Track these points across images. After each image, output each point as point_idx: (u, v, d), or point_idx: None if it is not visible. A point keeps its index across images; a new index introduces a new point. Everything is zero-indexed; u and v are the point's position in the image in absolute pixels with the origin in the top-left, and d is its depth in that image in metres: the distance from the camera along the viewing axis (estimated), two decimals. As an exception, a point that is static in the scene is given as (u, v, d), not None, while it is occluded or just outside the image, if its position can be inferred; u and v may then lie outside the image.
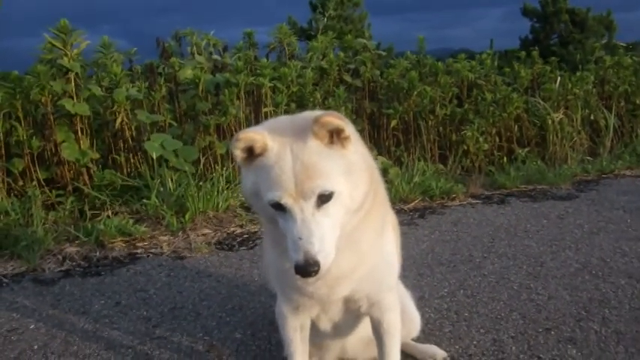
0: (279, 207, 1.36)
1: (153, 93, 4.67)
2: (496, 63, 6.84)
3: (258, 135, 1.37)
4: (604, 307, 2.57)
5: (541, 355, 2.19)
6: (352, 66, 5.78)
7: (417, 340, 2.23)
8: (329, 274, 1.48)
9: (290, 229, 1.35)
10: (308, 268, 1.31)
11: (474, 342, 2.31)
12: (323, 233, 1.34)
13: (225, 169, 4.40)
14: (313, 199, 1.34)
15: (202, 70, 4.99)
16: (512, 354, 2.20)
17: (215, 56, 5.61)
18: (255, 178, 1.40)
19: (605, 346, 2.23)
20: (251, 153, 1.39)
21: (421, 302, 2.61)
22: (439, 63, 5.89)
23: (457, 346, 2.28)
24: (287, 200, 1.33)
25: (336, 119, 1.37)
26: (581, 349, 2.22)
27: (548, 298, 2.69)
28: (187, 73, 4.95)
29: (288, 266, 1.50)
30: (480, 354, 2.21)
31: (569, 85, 6.21)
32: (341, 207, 1.38)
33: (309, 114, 1.49)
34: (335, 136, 1.38)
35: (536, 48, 7.42)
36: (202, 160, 4.55)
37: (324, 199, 1.35)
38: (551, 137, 5.85)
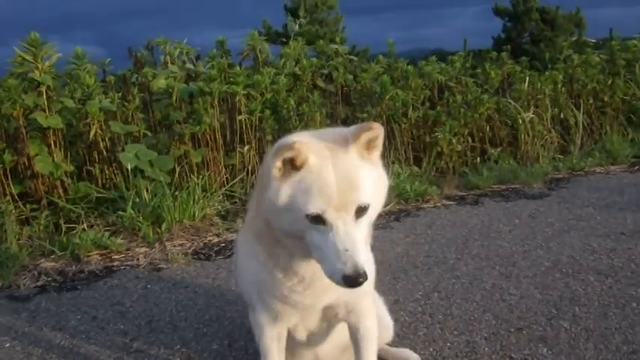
0: (318, 220, 1.37)
1: (126, 103, 4.65)
2: (469, 63, 6.92)
3: (303, 147, 1.37)
4: (574, 305, 2.65)
5: (513, 355, 2.25)
6: (325, 71, 5.82)
7: (392, 344, 2.27)
8: (319, 283, 1.53)
9: (331, 241, 1.36)
10: (358, 278, 1.33)
11: (448, 344, 2.36)
12: (362, 244, 1.38)
13: (200, 177, 4.40)
14: (353, 212, 1.37)
15: (176, 79, 4.98)
16: (484, 354, 2.26)
17: (188, 65, 5.59)
18: (292, 191, 1.38)
19: (574, 344, 2.30)
20: (290, 166, 1.39)
21: (396, 306, 2.66)
22: (410, 67, 5.94)
23: (431, 349, 2.33)
24: (330, 213, 1.35)
25: (379, 127, 1.41)
26: (551, 347, 2.28)
27: (520, 298, 2.76)
28: (161, 82, 4.93)
29: (266, 275, 1.58)
30: (453, 356, 2.27)
31: (539, 85, 6.33)
32: (368, 219, 1.44)
33: (338, 129, 1.52)
34: (368, 145, 1.42)
35: (508, 47, 7.52)
36: (177, 170, 4.54)
37: (361, 211, 1.38)
38: (522, 136, 5.94)
